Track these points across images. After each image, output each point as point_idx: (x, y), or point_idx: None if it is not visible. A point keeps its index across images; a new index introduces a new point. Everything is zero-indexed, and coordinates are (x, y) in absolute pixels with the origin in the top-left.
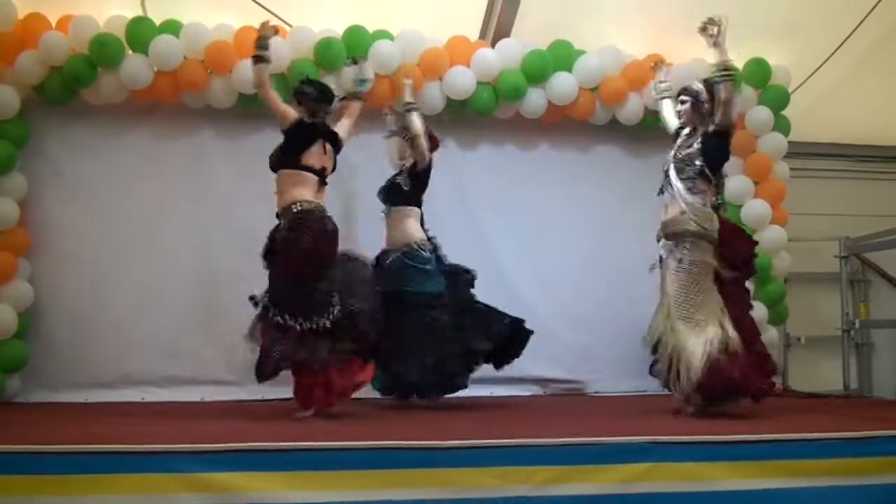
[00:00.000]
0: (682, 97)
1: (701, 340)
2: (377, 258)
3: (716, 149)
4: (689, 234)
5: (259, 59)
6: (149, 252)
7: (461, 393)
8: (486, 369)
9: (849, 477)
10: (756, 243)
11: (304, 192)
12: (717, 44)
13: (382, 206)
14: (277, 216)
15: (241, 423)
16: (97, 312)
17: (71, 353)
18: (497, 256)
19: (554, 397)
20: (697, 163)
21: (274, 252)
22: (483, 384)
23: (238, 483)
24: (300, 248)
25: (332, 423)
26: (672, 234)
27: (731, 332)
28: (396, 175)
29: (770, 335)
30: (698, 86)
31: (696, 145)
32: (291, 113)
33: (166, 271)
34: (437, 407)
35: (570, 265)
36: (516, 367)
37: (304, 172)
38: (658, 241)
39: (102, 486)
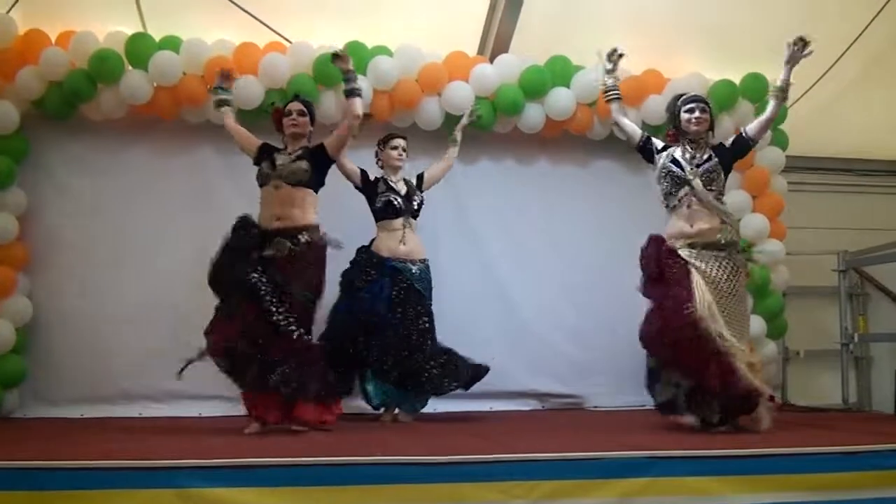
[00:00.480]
0: (703, 105)
1: (744, 355)
2: (392, 265)
3: (732, 162)
4: (736, 246)
5: (353, 93)
6: (148, 267)
7: (461, 407)
8: (484, 384)
9: (848, 491)
10: None
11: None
12: (793, 63)
13: (400, 219)
14: (284, 232)
15: (240, 438)
16: (96, 327)
17: (69, 368)
18: (496, 270)
19: (553, 412)
20: (723, 176)
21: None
22: (482, 399)
23: (238, 499)
24: (323, 267)
25: (331, 438)
26: (722, 244)
27: None
28: (416, 190)
29: (769, 349)
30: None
31: (715, 158)
32: None
33: (166, 286)
34: (436, 420)
35: (569, 279)
36: (516, 382)
37: None
38: (687, 248)
39: (101, 501)
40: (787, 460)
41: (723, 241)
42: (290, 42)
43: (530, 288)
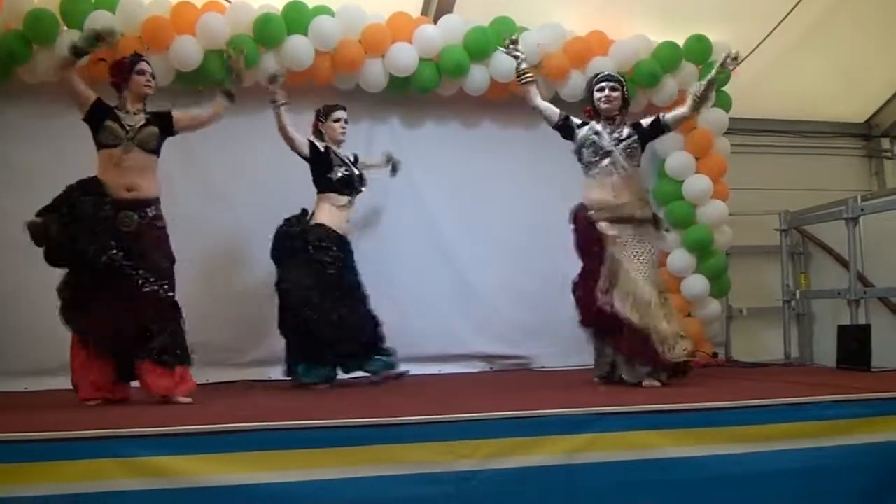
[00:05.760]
0: (613, 84)
1: (670, 319)
2: (342, 238)
3: (647, 142)
4: (651, 221)
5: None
6: None
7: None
8: (433, 347)
9: (789, 441)
10: None
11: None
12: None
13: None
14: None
15: (185, 406)
16: (38, 299)
17: (11, 340)
18: (441, 234)
19: (501, 373)
20: (640, 153)
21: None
22: (430, 362)
23: (183, 467)
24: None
25: (275, 402)
26: (639, 219)
27: None
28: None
29: (713, 307)
30: (617, 74)
31: (634, 134)
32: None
33: None
34: (383, 384)
35: (514, 242)
36: (464, 345)
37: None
38: (606, 222)
39: (46, 473)
40: (729, 413)
41: (639, 217)
42: (230, 1)
43: (477, 251)
